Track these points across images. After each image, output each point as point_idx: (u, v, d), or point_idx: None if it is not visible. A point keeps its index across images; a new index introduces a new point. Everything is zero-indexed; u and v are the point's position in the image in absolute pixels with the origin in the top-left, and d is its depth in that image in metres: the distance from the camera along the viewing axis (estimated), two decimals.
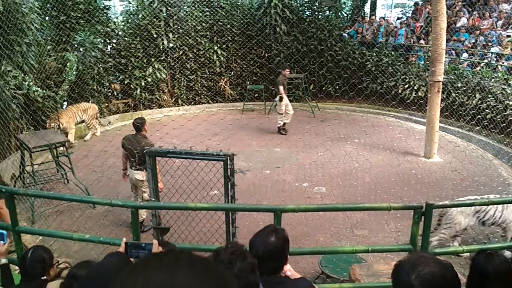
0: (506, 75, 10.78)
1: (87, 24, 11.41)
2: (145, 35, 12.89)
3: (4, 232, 3.27)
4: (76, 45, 10.95)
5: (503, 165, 9.27)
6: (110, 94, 12.99)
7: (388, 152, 9.91)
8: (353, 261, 4.82)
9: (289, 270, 2.57)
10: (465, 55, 12.67)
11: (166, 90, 13.68)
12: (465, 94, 10.98)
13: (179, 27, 13.33)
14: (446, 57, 10.76)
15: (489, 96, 10.41)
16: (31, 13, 9.08)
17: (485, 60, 11.88)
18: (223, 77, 14.31)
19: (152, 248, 2.31)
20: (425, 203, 3.71)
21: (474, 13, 13.74)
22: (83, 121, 10.67)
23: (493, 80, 10.73)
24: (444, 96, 10.70)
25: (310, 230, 6.50)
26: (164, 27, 13.06)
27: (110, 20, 12.81)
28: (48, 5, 10.91)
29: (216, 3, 14.13)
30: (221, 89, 14.33)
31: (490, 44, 12.27)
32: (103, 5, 12.43)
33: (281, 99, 11.06)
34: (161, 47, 13.09)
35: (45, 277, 2.98)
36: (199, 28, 13.68)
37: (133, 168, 6.32)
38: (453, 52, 12.89)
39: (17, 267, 3.68)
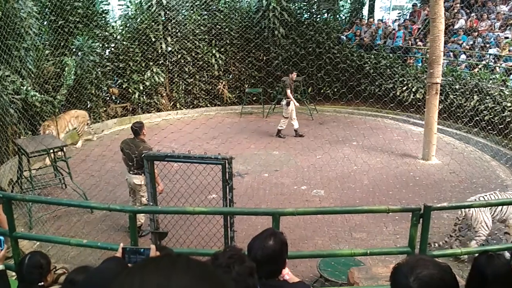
0: (504, 76, 10.80)
1: (86, 29, 11.41)
2: (144, 39, 12.90)
3: (1, 237, 3.26)
4: (74, 50, 10.96)
5: (501, 167, 9.28)
6: (108, 98, 12.97)
7: (386, 154, 9.92)
8: (351, 264, 4.81)
9: (287, 273, 2.57)
10: (463, 56, 12.70)
11: (164, 94, 13.68)
12: (463, 95, 10.99)
13: (177, 30, 13.34)
14: (444, 59, 10.78)
15: (487, 97, 10.43)
16: (29, 18, 9.08)
17: (483, 62, 11.91)
18: (221, 81, 14.32)
19: (149, 253, 2.31)
20: (423, 205, 3.70)
21: (472, 14, 13.77)
22: (75, 129, 10.57)
23: (491, 81, 10.75)
24: (442, 98, 10.72)
25: (308, 233, 6.49)
26: (163, 31, 13.08)
27: (108, 24, 12.81)
28: (47, 9, 10.91)
29: (214, 7, 14.15)
30: (220, 93, 14.34)
31: (488, 45, 12.30)
32: (101, 10, 12.44)
33: (288, 103, 11.01)
34: (160, 51, 13.10)
35: (42, 283, 2.97)
36: (197, 31, 13.70)
37: (131, 172, 6.31)
38: (451, 54, 12.91)
39: (14, 273, 3.66)
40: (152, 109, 13.46)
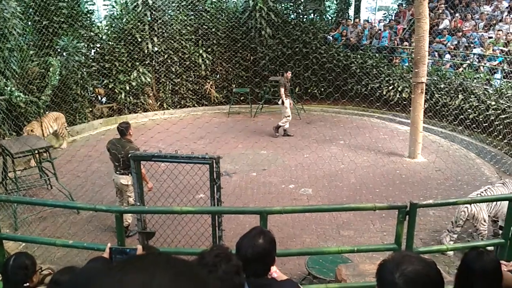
0: (488, 75, 10.96)
1: (70, 29, 11.29)
2: (130, 39, 12.81)
3: None
4: (59, 50, 10.84)
5: (485, 164, 9.42)
6: (94, 98, 12.85)
7: (373, 153, 9.99)
8: (339, 261, 4.85)
9: (275, 271, 2.57)
10: (447, 56, 12.85)
11: (151, 94, 13.60)
12: (448, 94, 11.13)
13: (163, 31, 13.27)
14: (429, 59, 10.90)
15: (472, 96, 10.57)
16: (13, 18, 8.97)
17: (468, 61, 12.06)
18: (208, 80, 14.28)
19: (135, 253, 2.30)
20: (410, 203, 3.74)
21: (456, 15, 13.94)
22: (55, 131, 10.37)
23: (475, 80, 10.91)
24: (428, 97, 10.84)
25: (296, 232, 6.51)
26: (149, 31, 13.00)
27: (93, 25, 12.69)
28: (31, 10, 10.75)
29: (201, 7, 14.11)
30: (207, 92, 14.31)
31: (472, 45, 12.45)
32: (86, 10, 12.32)
33: (283, 102, 11.02)
34: (146, 51, 13.03)
35: (27, 284, 2.93)
36: (184, 31, 13.64)
37: (117, 172, 6.26)
38: (436, 53, 13.06)
39: None
40: (139, 109, 13.37)
